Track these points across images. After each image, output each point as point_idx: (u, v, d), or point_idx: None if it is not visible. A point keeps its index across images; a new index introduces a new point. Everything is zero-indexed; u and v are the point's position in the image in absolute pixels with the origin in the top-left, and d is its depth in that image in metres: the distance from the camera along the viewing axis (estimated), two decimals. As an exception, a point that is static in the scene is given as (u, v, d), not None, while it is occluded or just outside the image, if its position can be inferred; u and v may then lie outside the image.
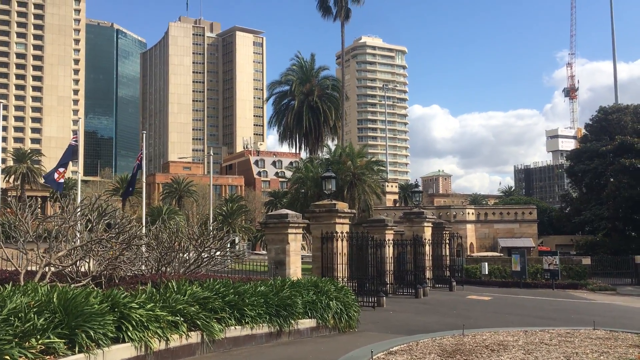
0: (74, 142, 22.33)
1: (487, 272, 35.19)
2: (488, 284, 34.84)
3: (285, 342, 13.95)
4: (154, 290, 11.79)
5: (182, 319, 11.12)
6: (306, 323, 15.06)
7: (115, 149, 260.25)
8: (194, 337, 11.35)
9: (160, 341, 10.33)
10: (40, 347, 7.63)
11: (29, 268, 13.07)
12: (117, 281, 14.20)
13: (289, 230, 20.64)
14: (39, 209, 15.31)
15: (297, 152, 52.25)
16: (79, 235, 13.69)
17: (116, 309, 9.62)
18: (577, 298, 30.27)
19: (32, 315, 8.07)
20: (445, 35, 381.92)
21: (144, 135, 28.25)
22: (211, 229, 17.15)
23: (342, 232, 23.58)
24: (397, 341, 11.52)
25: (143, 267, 15.65)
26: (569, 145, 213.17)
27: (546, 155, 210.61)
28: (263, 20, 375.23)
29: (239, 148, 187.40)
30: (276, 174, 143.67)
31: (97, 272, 12.81)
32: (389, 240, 27.20)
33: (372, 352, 9.36)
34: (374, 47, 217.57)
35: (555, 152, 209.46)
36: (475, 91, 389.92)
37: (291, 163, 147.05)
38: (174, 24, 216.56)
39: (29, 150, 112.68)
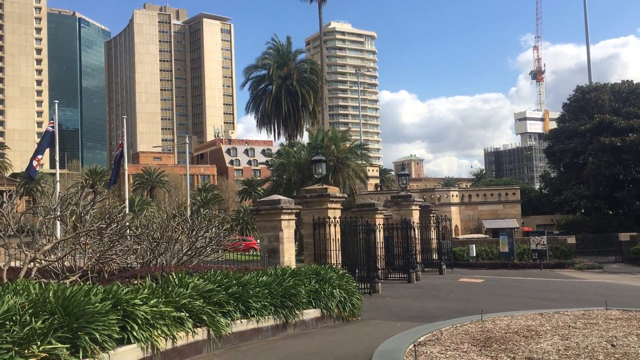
0: (50, 129, 20.93)
1: (474, 255, 34.89)
2: (476, 266, 34.56)
3: (292, 334, 13.13)
4: (154, 284, 10.82)
5: (187, 314, 10.20)
6: (311, 313, 14.27)
7: (82, 141, 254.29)
8: (200, 334, 10.45)
9: (166, 340, 9.40)
10: (42, 355, 6.62)
11: (12, 264, 11.92)
12: (106, 276, 13.14)
13: (282, 217, 19.73)
14: (16, 201, 14.08)
15: (276, 137, 51.31)
16: (64, 228, 12.55)
17: (119, 307, 8.63)
18: (567, 277, 30.15)
19: (29, 318, 7.04)
20: (411, 20, 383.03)
21: (124, 120, 26.83)
22: (204, 217, 16.12)
23: (334, 218, 22.77)
24: (420, 330, 10.76)
25: (132, 260, 14.58)
26: (537, 127, 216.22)
27: (513, 138, 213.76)
28: (230, 7, 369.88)
29: (210, 137, 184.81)
30: (249, 162, 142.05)
31: (87, 267, 11.72)
32: (379, 224, 26.52)
33: (407, 344, 8.58)
34: (343, 33, 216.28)
35: (523, 135, 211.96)
36: (442, 76, 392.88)
37: (264, 151, 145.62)
38: (138, 11, 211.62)
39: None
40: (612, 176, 47.44)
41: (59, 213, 11.81)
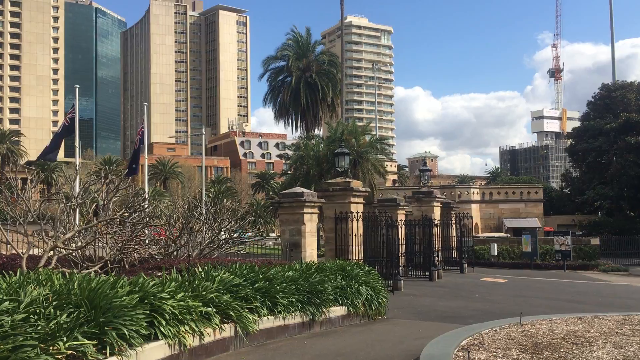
0: (70, 118, 20.45)
1: (496, 254, 34.16)
2: (498, 266, 33.84)
3: (319, 332, 12.59)
4: (179, 277, 10.31)
5: (214, 309, 9.67)
6: (337, 311, 13.72)
7: (96, 131, 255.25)
8: (228, 330, 9.93)
9: (193, 336, 8.88)
10: (67, 352, 6.10)
11: (30, 252, 11.45)
12: (127, 267, 12.66)
13: (305, 210, 19.17)
14: (35, 189, 13.64)
15: (294, 130, 50.72)
16: (86, 216, 12.07)
17: (146, 301, 8.11)
18: (592, 279, 29.37)
19: (53, 311, 6.53)
20: (427, 16, 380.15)
21: (145, 107, 26.38)
22: (228, 207, 15.60)
23: (357, 212, 22.19)
24: (460, 333, 10.17)
25: (153, 251, 14.08)
26: (553, 126, 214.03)
27: (527, 137, 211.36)
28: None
29: (223, 129, 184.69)
30: (262, 155, 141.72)
31: (110, 257, 11.22)
32: (401, 220, 25.88)
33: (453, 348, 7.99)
34: (359, 27, 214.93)
35: (540, 133, 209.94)
36: (457, 73, 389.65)
37: (277, 144, 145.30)
38: (155, 2, 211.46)
39: (8, 131, 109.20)
40: (637, 177, 46.30)
41: (80, 200, 11.32)
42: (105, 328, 6.88)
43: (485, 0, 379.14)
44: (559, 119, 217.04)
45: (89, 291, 7.24)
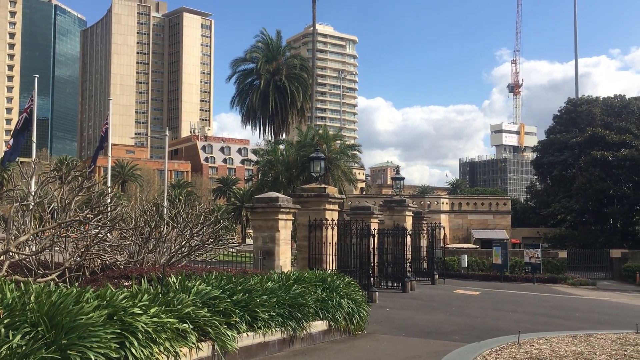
0: (27, 114, 18.99)
1: (466, 265, 33.70)
2: (468, 277, 33.38)
3: (300, 350, 11.57)
4: (151, 288, 9.14)
5: (190, 326, 8.54)
6: (318, 326, 12.71)
7: (51, 131, 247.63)
8: (205, 350, 8.79)
9: (168, 358, 7.72)
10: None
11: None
12: (88, 275, 11.37)
13: (280, 216, 18.10)
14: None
15: (261, 134, 49.37)
16: (44, 217, 10.72)
17: (115, 317, 6.94)
18: (563, 293, 29.13)
19: (4, 331, 5.34)
20: (390, 28, 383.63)
21: (110, 102, 24.69)
22: (202, 212, 14.40)
23: (332, 220, 21.23)
24: (462, 355, 9.28)
25: (118, 257, 12.78)
26: (512, 140, 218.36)
27: (484, 150, 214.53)
28: (211, 3, 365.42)
29: (184, 133, 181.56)
30: (224, 160, 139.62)
31: (70, 263, 9.93)
32: (374, 229, 25.01)
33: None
34: (325, 35, 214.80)
35: (499, 147, 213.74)
36: (418, 85, 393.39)
37: (240, 150, 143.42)
38: (117, 1, 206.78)
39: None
40: (602, 191, 46.86)
41: (38, 199, 10.01)
42: (69, 352, 5.72)
43: (446, 15, 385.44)
44: (517, 133, 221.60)
45: (49, 306, 6.06)
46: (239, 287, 10.80)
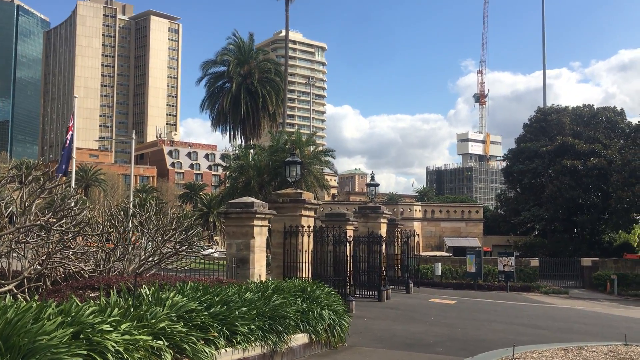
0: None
1: (440, 273, 33.30)
2: (442, 286, 32.97)
3: (281, 365, 10.76)
4: (121, 300, 8.24)
5: (165, 342, 7.68)
6: (299, 339, 11.95)
7: (12, 134, 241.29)
8: (181, 369, 7.94)
9: (141, 380, 6.86)
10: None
11: None
12: (50, 285, 10.38)
13: (255, 222, 17.28)
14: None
15: (232, 138, 48.17)
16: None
17: (82, 335, 6.07)
18: (537, 302, 28.96)
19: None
20: (357, 37, 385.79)
21: (75, 100, 23.37)
22: (174, 217, 13.50)
23: (308, 226, 20.50)
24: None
25: (83, 266, 11.79)
26: (477, 149, 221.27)
27: (449, 158, 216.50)
28: (179, 7, 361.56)
29: (150, 138, 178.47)
30: (191, 165, 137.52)
31: (30, 273, 8.95)
32: (350, 236, 24.35)
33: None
34: (294, 42, 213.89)
35: (465, 155, 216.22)
36: (385, 94, 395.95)
37: (207, 156, 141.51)
38: (82, 2, 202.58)
39: None
40: (571, 199, 47.21)
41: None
42: (26, 380, 4.84)
43: (413, 26, 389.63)
44: (483, 142, 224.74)
45: (4, 324, 5.17)
46: (217, 299, 9.99)
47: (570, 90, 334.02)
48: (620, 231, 50.45)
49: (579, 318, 23.19)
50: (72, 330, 5.78)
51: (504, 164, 62.78)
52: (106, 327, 6.50)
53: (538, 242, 49.30)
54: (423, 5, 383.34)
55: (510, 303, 27.39)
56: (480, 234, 50.91)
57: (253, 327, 10.17)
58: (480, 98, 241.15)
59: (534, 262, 36.30)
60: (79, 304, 6.96)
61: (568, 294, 32.94)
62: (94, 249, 11.27)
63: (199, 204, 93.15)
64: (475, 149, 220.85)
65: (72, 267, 9.73)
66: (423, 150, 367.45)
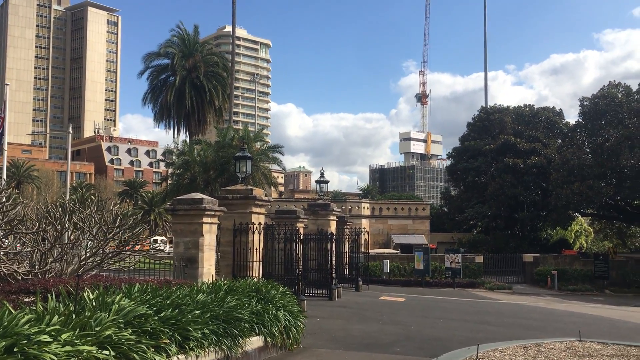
0: None
1: (388, 271, 33.20)
2: (390, 283, 32.88)
3: (236, 371, 10.08)
4: (60, 306, 7.37)
5: (112, 353, 6.88)
6: (254, 342, 11.30)
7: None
8: (129, 381, 7.16)
9: (84, 397, 6.08)
10: None
11: None
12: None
13: (204, 220, 16.47)
14: None
15: (176, 133, 46.65)
16: None
17: (16, 348, 5.25)
18: (484, 298, 29.25)
19: None
20: (302, 34, 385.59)
21: (6, 88, 21.67)
22: (118, 215, 12.54)
23: (259, 224, 19.83)
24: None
25: (15, 268, 10.74)
26: (419, 148, 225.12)
27: (391, 157, 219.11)
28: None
29: (88, 133, 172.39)
30: (131, 162, 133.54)
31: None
32: (301, 234, 23.85)
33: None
34: (238, 38, 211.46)
35: (407, 154, 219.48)
36: (329, 92, 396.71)
37: (148, 152, 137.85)
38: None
39: None
40: (513, 197, 48.24)
41: None
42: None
43: (356, 25, 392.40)
44: (425, 141, 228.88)
45: None
46: (167, 302, 9.25)
47: (506, 92, 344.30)
48: (557, 228, 52.03)
49: (525, 313, 23.46)
50: (4, 343, 4.98)
51: (445, 162, 63.78)
52: (45, 337, 5.69)
53: (481, 239, 50.22)
54: (365, 5, 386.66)
55: (459, 300, 27.52)
56: (427, 231, 51.41)
57: (207, 331, 9.46)
58: (422, 98, 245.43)
59: (479, 259, 36.83)
60: (12, 312, 6.11)
61: (512, 289, 33.51)
62: (28, 249, 10.25)
63: (139, 202, 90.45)
64: (417, 147, 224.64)
65: (4, 269, 8.76)
66: (366, 149, 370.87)
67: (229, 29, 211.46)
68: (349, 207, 47.57)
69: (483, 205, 49.65)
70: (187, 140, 43.38)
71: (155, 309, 8.70)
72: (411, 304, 24.90)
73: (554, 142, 51.49)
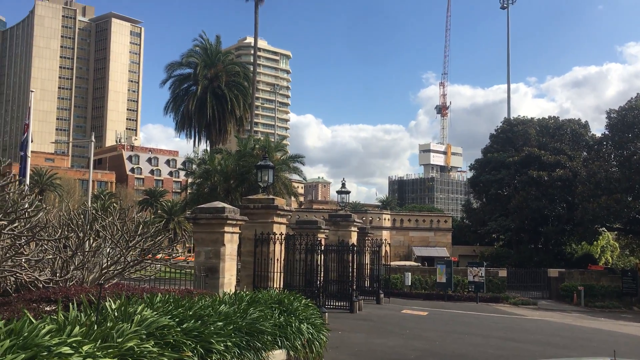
0: None
1: (409, 283, 32.70)
2: (412, 296, 32.36)
3: (259, 386, 9.76)
4: (82, 315, 7.14)
5: (134, 366, 6.63)
6: (277, 356, 10.94)
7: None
8: (151, 395, 6.88)
9: (105, 413, 5.82)
10: None
11: None
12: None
13: (226, 229, 16.25)
14: None
15: (197, 143, 46.79)
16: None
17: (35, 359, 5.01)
18: (508, 313, 28.60)
19: None
20: (322, 46, 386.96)
21: (31, 95, 21.71)
22: (140, 223, 12.36)
23: (280, 234, 19.55)
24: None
25: (37, 275, 10.58)
26: (439, 160, 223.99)
27: (410, 169, 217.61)
28: (143, 11, 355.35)
29: (109, 142, 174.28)
30: (152, 171, 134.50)
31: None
32: (322, 245, 23.51)
33: None
34: (259, 49, 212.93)
35: (426, 166, 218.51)
36: (348, 103, 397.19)
37: (168, 162, 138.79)
38: (41, 2, 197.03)
39: None
40: (537, 210, 47.39)
41: None
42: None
43: (375, 36, 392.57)
44: (444, 153, 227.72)
45: None
46: (190, 313, 8.99)
47: (527, 104, 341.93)
48: (582, 242, 50.97)
49: (552, 330, 22.84)
50: (24, 355, 4.74)
51: (465, 174, 63.10)
52: (66, 349, 5.44)
53: (504, 253, 49.36)
54: (386, 17, 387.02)
55: (483, 315, 26.95)
56: (449, 244, 50.69)
57: (229, 343, 9.16)
58: (442, 109, 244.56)
59: (502, 273, 36.13)
60: (33, 321, 5.89)
61: (537, 305, 32.76)
62: (49, 257, 10.08)
63: (159, 211, 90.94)
64: (437, 159, 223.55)
65: (25, 277, 8.59)
66: (384, 161, 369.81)
67: (249, 40, 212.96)
68: (370, 218, 47.13)
69: (506, 219, 48.83)
70: (208, 149, 43.37)
71: (177, 320, 8.45)
72: (434, 318, 24.41)
73: (580, 154, 50.59)
